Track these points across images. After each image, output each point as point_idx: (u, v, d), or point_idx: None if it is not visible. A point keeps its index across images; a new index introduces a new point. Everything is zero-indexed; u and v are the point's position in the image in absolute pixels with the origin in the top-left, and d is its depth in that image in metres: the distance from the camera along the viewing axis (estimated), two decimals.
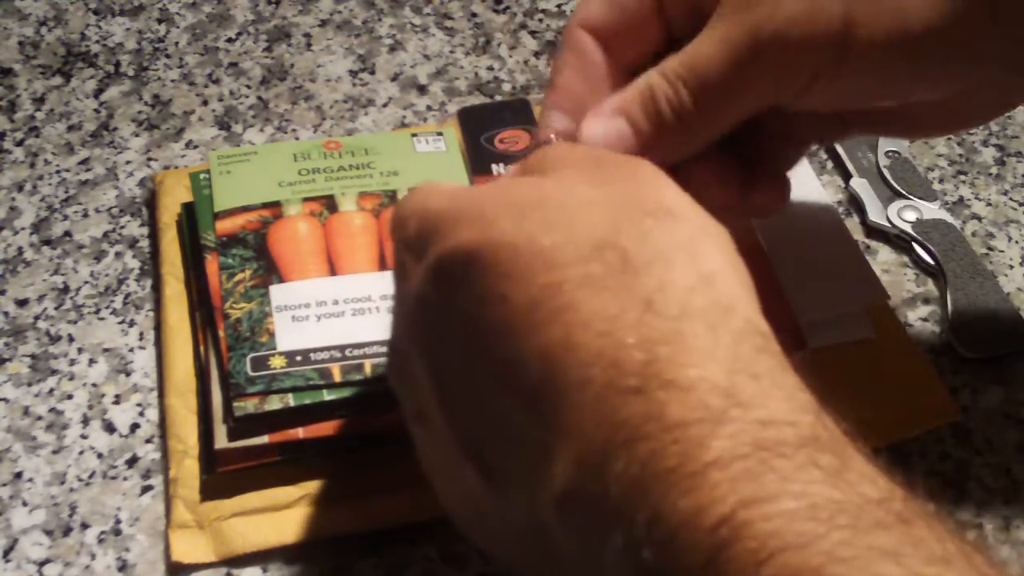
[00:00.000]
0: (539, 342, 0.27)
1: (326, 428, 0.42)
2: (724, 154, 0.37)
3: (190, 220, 0.48)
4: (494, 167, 0.51)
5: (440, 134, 0.52)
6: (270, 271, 0.45)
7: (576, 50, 0.37)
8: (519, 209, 0.29)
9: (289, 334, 0.43)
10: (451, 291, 0.29)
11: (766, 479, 0.23)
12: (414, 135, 0.52)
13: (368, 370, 0.43)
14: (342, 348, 0.43)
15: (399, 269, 0.34)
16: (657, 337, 0.26)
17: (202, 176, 0.49)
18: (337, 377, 0.42)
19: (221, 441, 0.41)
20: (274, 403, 0.41)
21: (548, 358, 0.26)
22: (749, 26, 0.32)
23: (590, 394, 0.26)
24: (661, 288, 0.27)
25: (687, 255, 0.27)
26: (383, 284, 0.45)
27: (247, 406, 0.41)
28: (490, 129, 0.52)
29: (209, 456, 0.42)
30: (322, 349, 0.43)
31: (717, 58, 0.33)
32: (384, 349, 0.43)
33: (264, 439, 0.41)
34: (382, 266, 0.46)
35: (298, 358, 0.43)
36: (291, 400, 0.42)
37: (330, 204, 0.48)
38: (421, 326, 0.31)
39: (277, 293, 0.45)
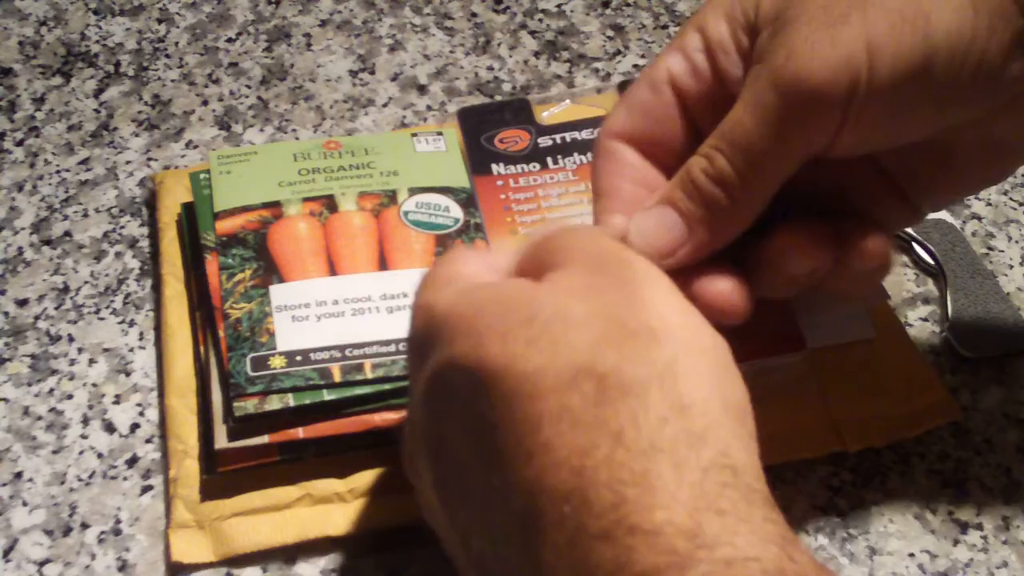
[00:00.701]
0: (521, 476, 0.27)
1: (326, 428, 0.42)
2: (811, 218, 0.36)
3: (190, 220, 0.48)
4: (494, 167, 0.51)
5: (440, 134, 0.52)
6: (270, 271, 0.45)
7: (611, 157, 0.37)
8: (507, 325, 0.29)
9: (289, 334, 0.43)
10: (447, 406, 0.30)
11: None
12: (414, 135, 0.52)
13: (368, 370, 0.43)
14: (342, 348, 0.43)
15: (409, 359, 0.35)
16: (626, 476, 0.26)
17: (202, 176, 0.49)
18: (337, 377, 0.42)
19: (221, 441, 0.41)
20: (274, 403, 0.41)
21: (529, 493, 0.27)
22: (772, 82, 0.32)
23: (564, 535, 0.26)
24: (633, 420, 0.27)
25: (664, 381, 0.28)
26: (383, 284, 0.45)
27: (247, 406, 0.41)
28: (490, 129, 0.52)
29: (209, 456, 0.42)
30: (322, 349, 0.43)
31: (748, 122, 0.33)
32: (383, 349, 0.43)
33: (264, 439, 0.41)
34: (382, 266, 0.46)
35: (298, 358, 0.43)
36: (291, 400, 0.42)
37: (330, 204, 0.48)
38: (423, 427, 0.32)
39: (277, 293, 0.45)
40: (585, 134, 0.52)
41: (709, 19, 0.36)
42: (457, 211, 0.49)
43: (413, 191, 0.49)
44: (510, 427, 0.28)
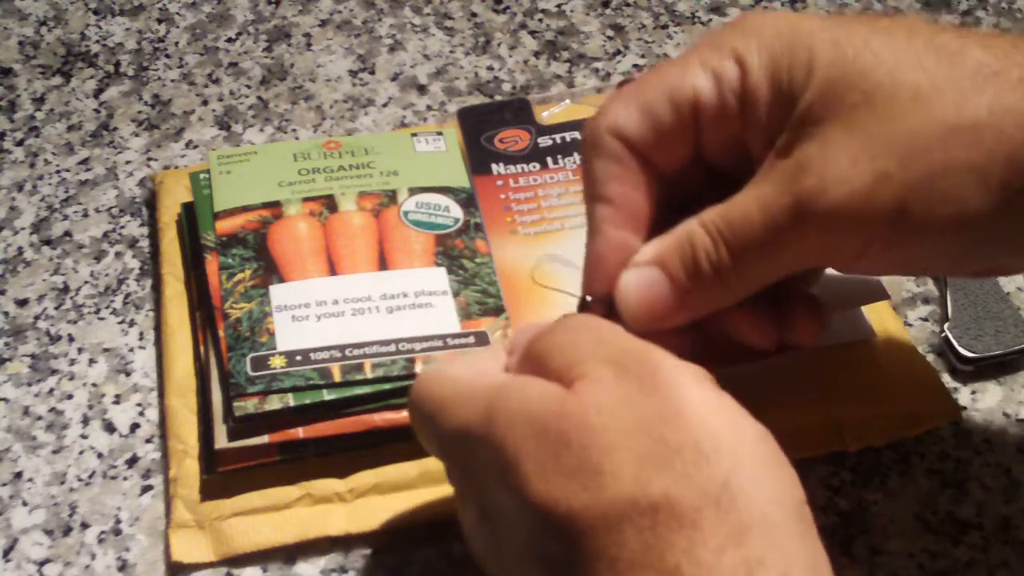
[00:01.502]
0: None
1: (326, 428, 0.42)
2: (756, 300, 0.36)
3: (190, 220, 0.48)
4: (494, 166, 0.51)
5: (440, 134, 0.52)
6: (270, 271, 0.45)
7: (614, 159, 0.35)
8: (543, 454, 0.28)
9: (289, 334, 0.43)
10: (506, 533, 0.30)
11: None
12: (414, 135, 0.52)
13: (368, 370, 0.43)
14: (342, 348, 0.43)
15: (449, 469, 0.34)
16: None
17: (202, 176, 0.49)
18: (337, 377, 0.42)
19: (221, 441, 0.41)
20: (274, 403, 0.41)
21: None
22: (795, 196, 0.31)
23: None
24: (690, 554, 0.26)
25: (720, 504, 0.27)
26: (383, 284, 0.45)
27: (247, 406, 0.41)
28: (490, 129, 0.52)
29: (209, 456, 0.42)
30: (322, 349, 0.43)
31: (757, 221, 0.32)
32: (383, 349, 0.43)
33: (264, 439, 0.41)
34: (382, 266, 0.46)
35: (298, 358, 0.43)
36: (291, 400, 0.42)
37: (330, 204, 0.48)
38: (483, 546, 0.32)
39: (277, 293, 0.45)
40: None
41: (752, 58, 0.33)
42: (457, 211, 0.49)
43: (413, 191, 0.49)
44: (570, 565, 0.27)
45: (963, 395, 0.47)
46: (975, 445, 0.45)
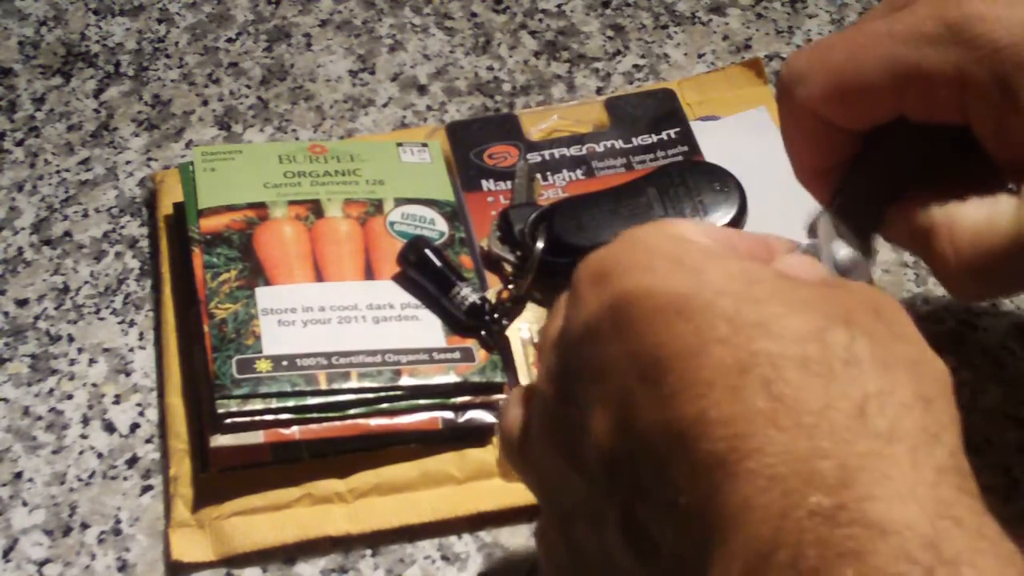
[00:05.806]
0: (733, 411, 0.24)
1: (320, 431, 0.42)
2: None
3: (180, 216, 0.48)
4: (484, 183, 0.50)
5: (425, 145, 0.51)
6: (256, 273, 0.45)
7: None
8: (740, 284, 0.27)
9: (275, 338, 0.43)
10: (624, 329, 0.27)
11: None
12: (399, 144, 0.51)
13: (354, 379, 0.42)
14: (328, 356, 0.43)
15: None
16: (857, 458, 0.23)
17: (191, 168, 0.49)
18: (323, 384, 0.42)
19: (213, 440, 0.41)
20: (256, 403, 0.41)
21: (737, 434, 0.24)
22: None
23: (772, 498, 0.23)
24: (879, 396, 0.24)
25: (913, 372, 0.26)
26: (369, 294, 0.45)
27: (229, 403, 0.41)
28: (479, 144, 0.52)
29: (204, 455, 0.42)
30: (309, 356, 0.42)
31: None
32: (370, 359, 0.43)
33: (259, 439, 0.41)
34: (368, 275, 0.46)
35: (284, 363, 0.42)
36: (274, 402, 0.41)
37: (316, 209, 0.48)
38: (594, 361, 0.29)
39: (263, 296, 0.44)
40: (573, 151, 0.52)
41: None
42: (442, 224, 0.48)
43: (399, 201, 0.49)
44: (735, 356, 0.25)
45: (963, 395, 0.47)
46: (975, 445, 0.45)
